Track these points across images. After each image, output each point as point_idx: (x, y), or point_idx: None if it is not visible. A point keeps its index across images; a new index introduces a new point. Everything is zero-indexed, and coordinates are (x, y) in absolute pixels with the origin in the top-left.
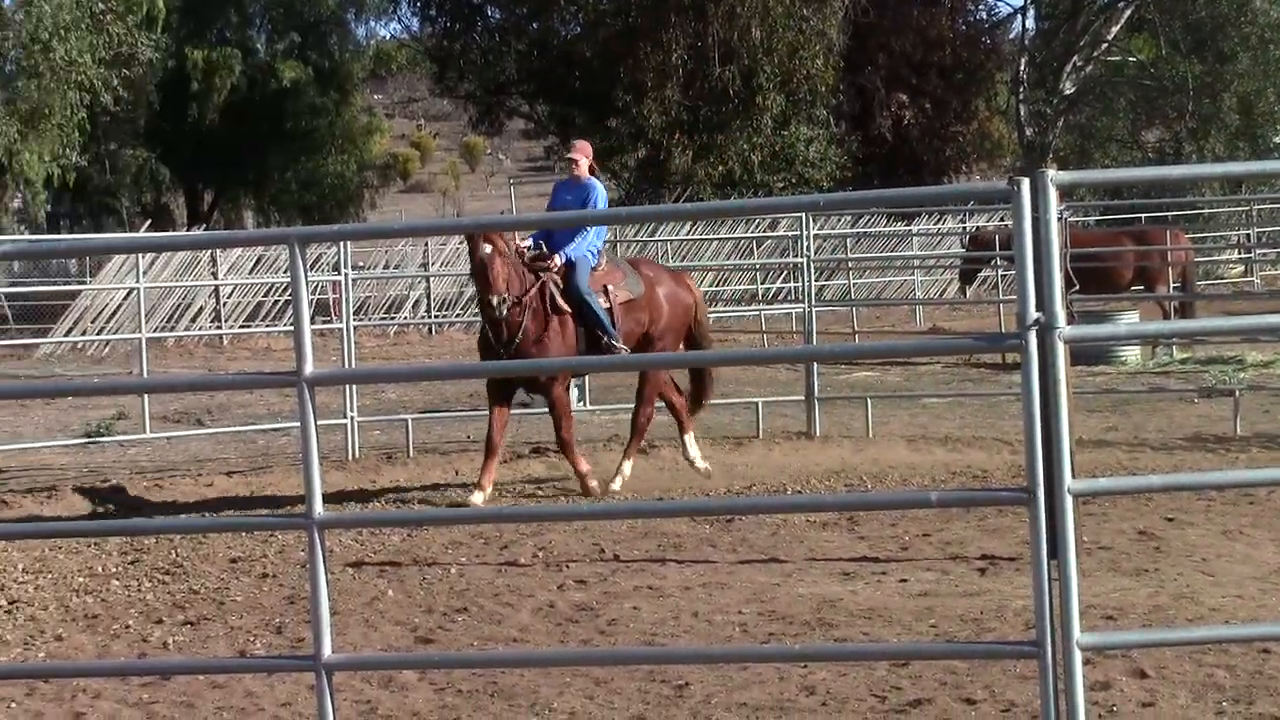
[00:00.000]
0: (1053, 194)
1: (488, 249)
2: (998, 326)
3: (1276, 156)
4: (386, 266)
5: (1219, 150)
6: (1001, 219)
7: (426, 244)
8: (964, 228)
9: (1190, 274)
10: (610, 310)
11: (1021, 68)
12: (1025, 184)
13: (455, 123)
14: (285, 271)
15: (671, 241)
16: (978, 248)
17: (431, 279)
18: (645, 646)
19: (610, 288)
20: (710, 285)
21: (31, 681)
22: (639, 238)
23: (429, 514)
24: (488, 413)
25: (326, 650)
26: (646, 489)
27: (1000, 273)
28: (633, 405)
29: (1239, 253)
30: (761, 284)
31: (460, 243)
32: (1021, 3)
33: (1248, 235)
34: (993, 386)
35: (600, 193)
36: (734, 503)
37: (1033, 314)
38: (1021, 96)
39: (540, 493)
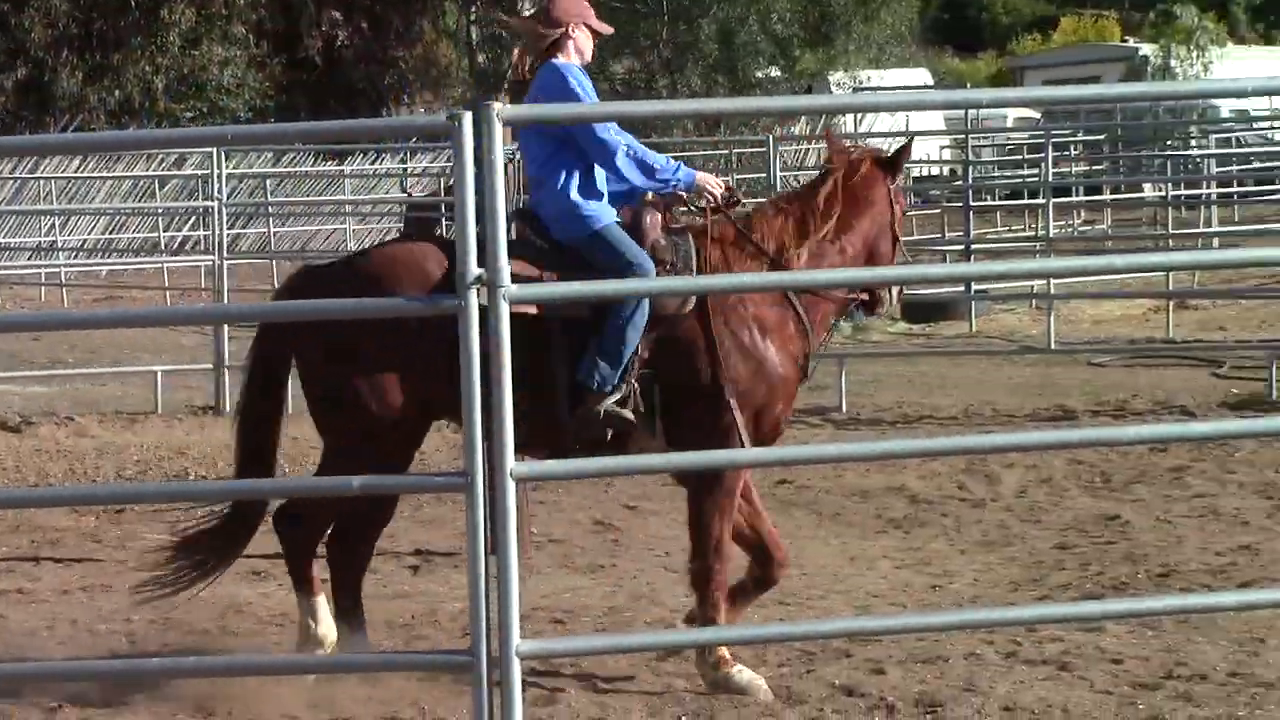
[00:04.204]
0: (499, 131)
1: None
2: None
3: (758, 93)
4: None
5: (695, 85)
6: (449, 159)
7: None
8: (405, 168)
9: None
10: None
11: None
12: (467, 119)
13: None
14: None
15: (57, 179)
16: None
17: None
18: (12, 662)
19: None
20: (104, 232)
21: None
22: (14, 174)
23: None
24: None
25: None
26: (21, 475)
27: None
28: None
29: None
30: (165, 231)
31: None
32: None
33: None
34: None
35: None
36: (125, 490)
37: (474, 270)
38: (473, 17)
39: None
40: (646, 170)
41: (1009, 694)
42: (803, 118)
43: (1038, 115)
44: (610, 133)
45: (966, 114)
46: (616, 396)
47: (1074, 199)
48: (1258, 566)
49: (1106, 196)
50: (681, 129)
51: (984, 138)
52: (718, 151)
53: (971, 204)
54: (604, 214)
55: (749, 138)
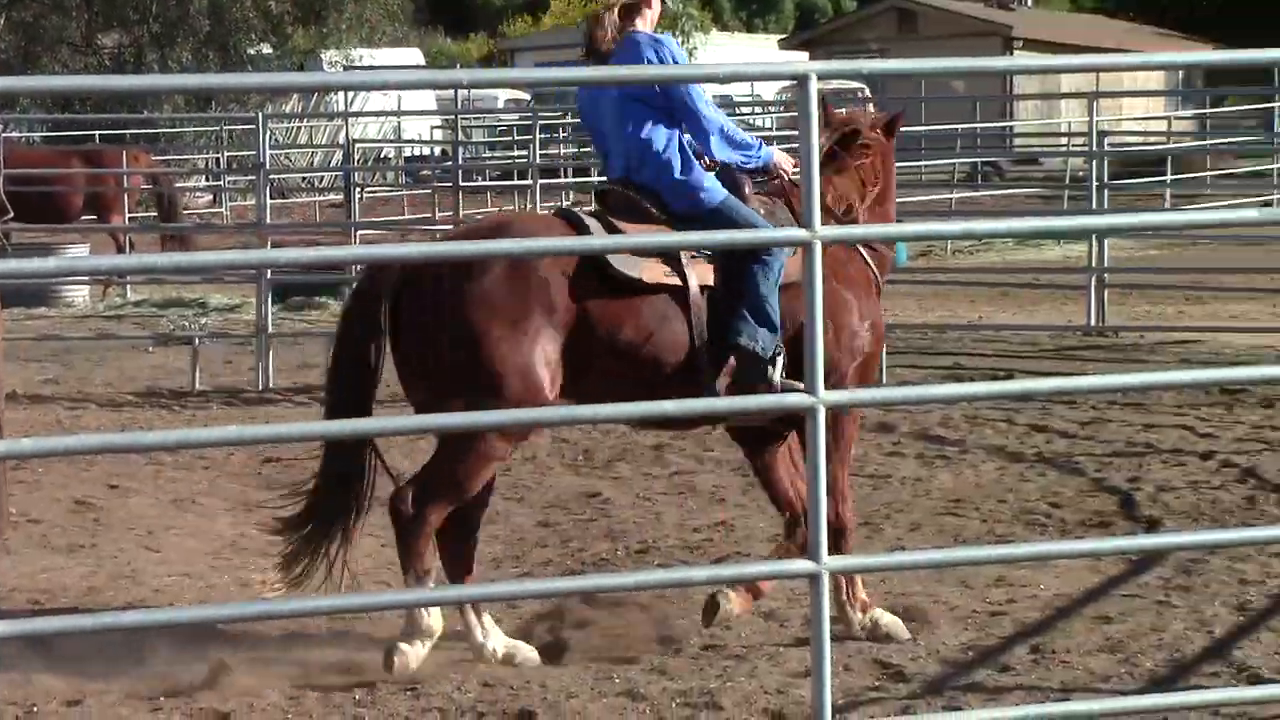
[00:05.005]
0: None
1: None
2: None
3: (248, 69)
4: None
5: (186, 60)
6: None
7: None
8: None
9: (175, 200)
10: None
11: None
12: None
13: None
14: None
15: None
16: None
17: None
18: None
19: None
20: None
21: None
22: None
23: None
24: None
25: None
26: None
27: None
28: None
29: (207, 179)
30: None
31: None
32: None
33: (218, 160)
34: None
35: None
36: None
37: None
38: None
39: None
40: (739, 148)
41: (488, 671)
42: (293, 95)
43: (528, 97)
44: (710, 110)
45: (457, 94)
46: (780, 362)
47: (562, 180)
48: (732, 542)
49: (594, 179)
50: (172, 104)
51: (475, 118)
52: (208, 128)
53: (462, 184)
54: (717, 187)
55: (239, 115)
